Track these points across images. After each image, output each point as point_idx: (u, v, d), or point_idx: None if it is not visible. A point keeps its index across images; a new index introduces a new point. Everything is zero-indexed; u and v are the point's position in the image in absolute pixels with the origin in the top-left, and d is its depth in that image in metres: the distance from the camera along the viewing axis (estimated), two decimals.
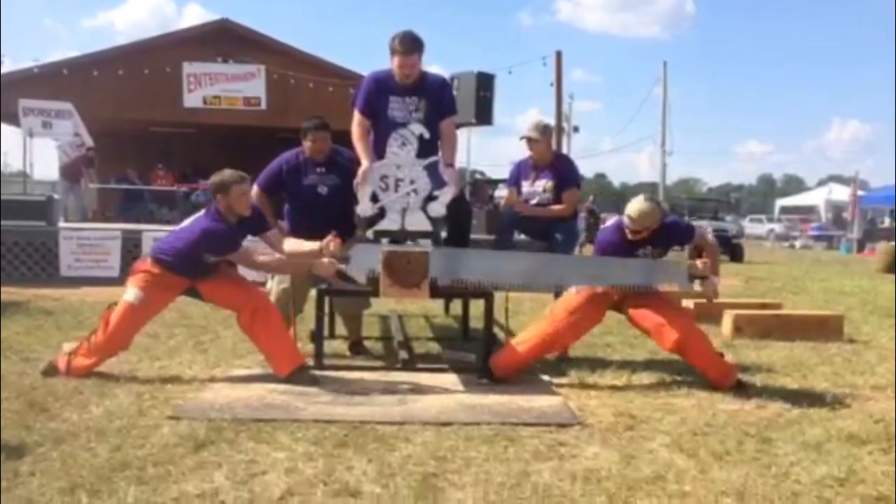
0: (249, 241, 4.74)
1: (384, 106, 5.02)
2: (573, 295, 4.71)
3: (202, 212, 4.64)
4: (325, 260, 4.51)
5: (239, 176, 4.48)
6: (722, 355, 4.71)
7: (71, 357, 4.47)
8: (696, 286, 4.65)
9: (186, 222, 4.69)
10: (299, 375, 4.45)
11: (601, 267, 4.78)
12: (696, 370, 4.67)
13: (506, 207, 5.94)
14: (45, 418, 3.61)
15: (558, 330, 4.63)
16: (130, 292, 4.50)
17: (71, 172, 14.72)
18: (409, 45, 4.93)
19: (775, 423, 3.83)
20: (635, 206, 4.54)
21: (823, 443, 3.50)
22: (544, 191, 5.57)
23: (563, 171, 5.64)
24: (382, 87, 5.07)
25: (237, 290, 4.62)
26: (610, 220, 5.73)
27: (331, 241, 4.51)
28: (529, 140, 5.56)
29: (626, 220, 4.58)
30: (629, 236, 4.60)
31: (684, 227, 5.00)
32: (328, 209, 5.12)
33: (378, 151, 4.99)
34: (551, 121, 14.73)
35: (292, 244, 4.72)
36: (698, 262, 4.60)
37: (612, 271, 4.68)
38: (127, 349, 4.65)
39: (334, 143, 5.33)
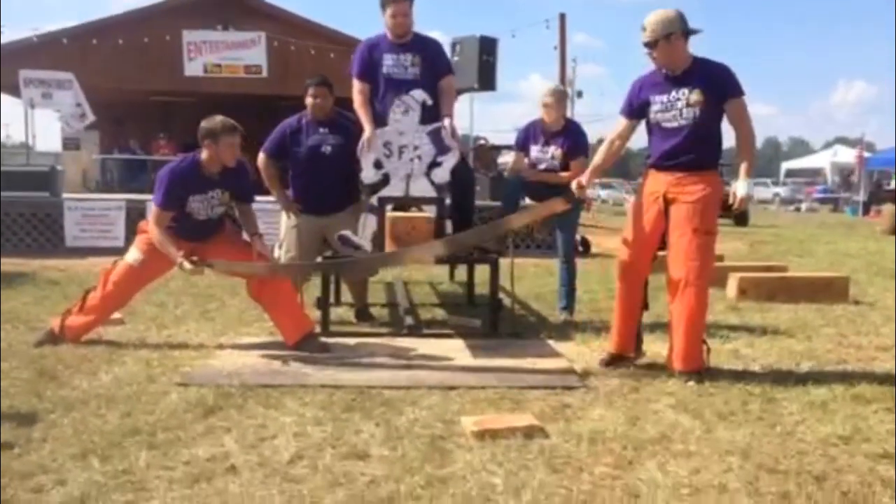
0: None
1: (380, 65, 4.99)
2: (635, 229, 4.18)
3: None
4: (189, 266, 4.29)
5: (231, 125, 4.40)
6: (704, 342, 4.04)
7: (65, 316, 4.49)
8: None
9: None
10: (309, 343, 4.47)
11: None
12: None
13: (512, 173, 5.90)
14: (55, 386, 3.64)
15: (636, 270, 4.19)
16: (132, 253, 4.50)
17: None
18: None
19: (780, 383, 3.84)
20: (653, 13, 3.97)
21: (828, 402, 3.52)
22: (553, 157, 5.52)
23: (573, 139, 5.58)
24: (376, 48, 5.04)
25: (243, 255, 4.60)
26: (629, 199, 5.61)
27: (185, 262, 4.28)
28: (546, 105, 5.50)
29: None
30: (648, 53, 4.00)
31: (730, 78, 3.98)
32: (332, 169, 5.09)
33: (379, 113, 4.97)
34: (556, 83, 14.60)
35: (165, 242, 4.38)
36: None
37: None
38: (122, 307, 4.70)
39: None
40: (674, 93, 3.95)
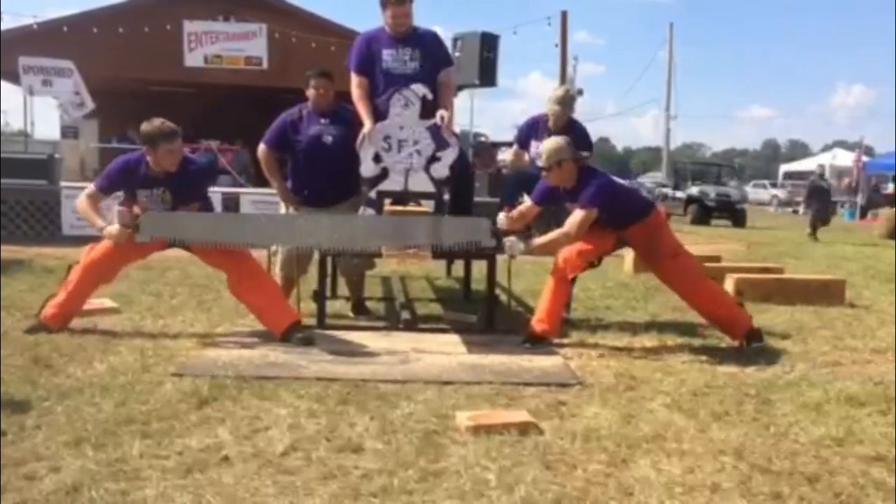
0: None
1: (379, 60, 4.98)
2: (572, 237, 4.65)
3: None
4: (115, 228, 4.41)
5: (170, 130, 4.39)
6: (741, 304, 4.84)
7: (48, 300, 4.51)
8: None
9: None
10: (294, 331, 4.45)
11: (405, 227, 4.73)
12: (700, 331, 4.69)
13: (511, 169, 5.89)
14: (49, 374, 3.64)
15: (567, 263, 4.62)
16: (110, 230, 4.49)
17: None
18: None
19: (775, 384, 3.85)
20: (546, 142, 4.65)
21: (822, 404, 3.53)
22: None
23: (576, 137, 5.58)
24: (374, 43, 5.02)
25: (223, 251, 4.53)
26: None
27: (122, 211, 4.46)
28: (554, 113, 5.49)
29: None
30: (545, 178, 4.62)
31: (593, 190, 4.51)
32: (332, 159, 5.06)
33: (378, 107, 4.96)
34: (556, 83, 14.60)
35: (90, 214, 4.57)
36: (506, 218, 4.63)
37: (416, 231, 4.67)
38: (106, 283, 4.74)
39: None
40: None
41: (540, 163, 4.61)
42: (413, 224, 4.73)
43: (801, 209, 22.70)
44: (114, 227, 4.40)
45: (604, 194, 4.52)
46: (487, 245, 4.53)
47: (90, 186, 4.66)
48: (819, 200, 15.78)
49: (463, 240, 4.58)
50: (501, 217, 4.63)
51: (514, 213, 4.77)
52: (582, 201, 4.48)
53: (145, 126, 4.40)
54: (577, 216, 4.48)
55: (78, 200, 4.63)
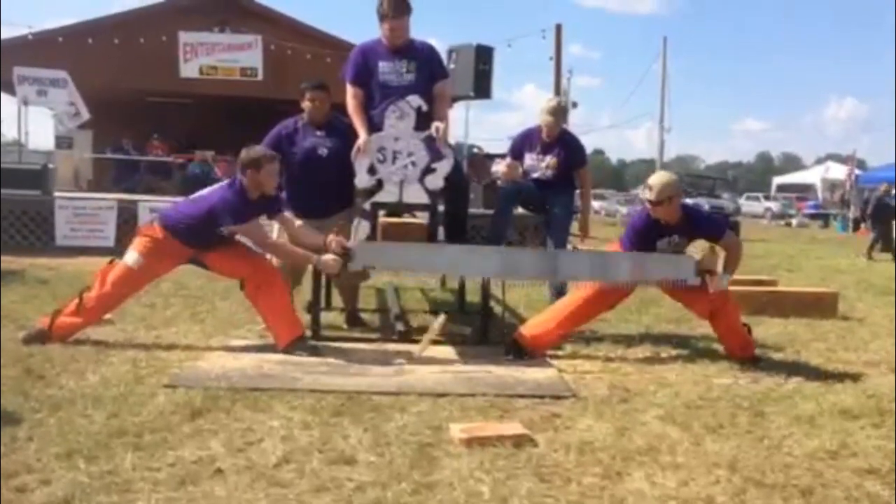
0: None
1: (375, 72, 4.99)
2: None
3: (223, 183, 4.65)
4: (330, 258, 4.48)
5: (272, 155, 4.50)
6: (748, 329, 4.77)
7: (55, 316, 4.47)
8: (707, 281, 4.56)
9: (205, 192, 4.66)
10: (298, 346, 4.46)
11: (606, 261, 4.75)
12: (694, 344, 4.69)
13: (505, 181, 5.91)
14: (42, 385, 3.62)
15: (588, 300, 4.62)
16: (130, 256, 4.49)
17: None
18: (399, 7, 4.89)
19: (768, 397, 3.86)
20: (655, 176, 4.58)
21: (816, 417, 3.53)
22: (548, 167, 5.58)
23: (569, 150, 5.64)
24: (371, 55, 5.03)
25: (243, 260, 4.62)
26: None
27: (334, 240, 4.50)
28: (546, 123, 5.56)
29: (645, 191, 4.57)
30: (651, 212, 4.56)
31: (715, 223, 4.97)
32: (328, 172, 5.07)
33: (373, 120, 4.96)
34: (550, 95, 14.64)
35: (299, 231, 4.69)
36: (711, 257, 4.61)
37: (618, 266, 4.67)
38: (115, 309, 4.71)
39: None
40: None
41: (645, 195, 4.59)
42: (617, 259, 4.73)
43: (863, 226, 21.50)
44: (329, 257, 4.47)
45: (727, 224, 4.91)
46: (692, 283, 4.54)
47: (263, 227, 4.74)
48: (884, 220, 14.33)
49: (667, 276, 4.60)
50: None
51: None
52: (719, 234, 4.70)
53: (246, 152, 4.44)
54: (732, 238, 4.83)
55: (278, 241, 4.80)
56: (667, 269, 4.60)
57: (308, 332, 4.75)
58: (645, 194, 4.58)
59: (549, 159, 5.56)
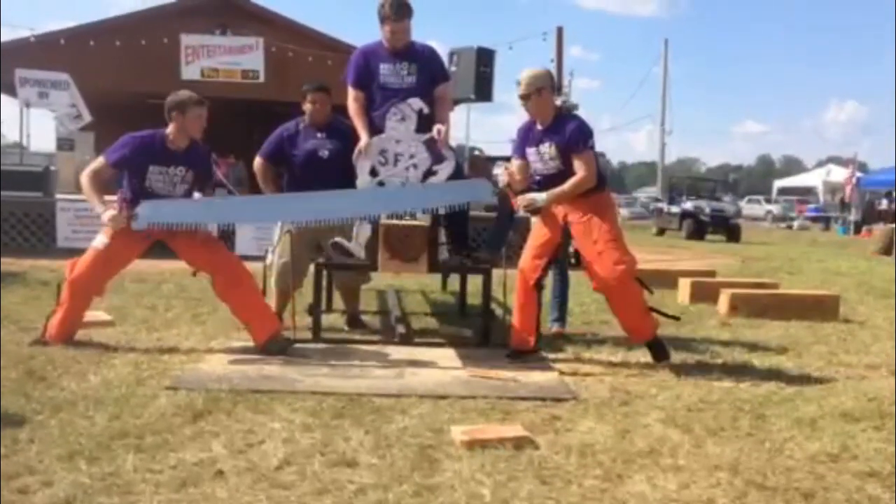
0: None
1: (376, 75, 4.98)
2: (531, 240, 4.72)
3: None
4: (113, 213, 4.37)
5: (198, 98, 4.46)
6: (650, 309, 4.62)
7: (49, 318, 4.50)
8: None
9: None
10: (275, 343, 4.47)
11: (401, 194, 4.76)
12: (695, 347, 4.69)
13: (518, 187, 5.35)
14: (43, 387, 3.62)
15: (526, 271, 4.64)
16: (98, 238, 4.48)
17: None
18: (400, 10, 4.88)
19: (770, 399, 3.86)
20: (523, 71, 4.59)
21: (817, 419, 3.53)
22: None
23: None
24: (372, 57, 5.02)
25: (211, 253, 4.58)
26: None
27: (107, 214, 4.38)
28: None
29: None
30: (526, 112, 4.60)
31: (583, 133, 4.53)
32: (329, 174, 5.05)
33: (374, 122, 4.96)
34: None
35: (91, 192, 4.44)
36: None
37: (415, 196, 4.74)
38: (97, 296, 4.66)
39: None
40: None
41: (520, 92, 4.52)
42: (408, 191, 4.74)
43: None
44: (111, 213, 4.35)
45: (589, 131, 4.55)
46: (489, 202, 4.54)
47: (98, 160, 4.51)
48: None
49: (464, 200, 4.61)
50: (502, 172, 4.61)
51: (513, 167, 4.78)
52: (574, 144, 4.46)
53: (173, 96, 4.42)
54: (582, 158, 4.47)
55: (83, 174, 4.45)
56: (464, 193, 4.76)
57: (307, 334, 4.75)
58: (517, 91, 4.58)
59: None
